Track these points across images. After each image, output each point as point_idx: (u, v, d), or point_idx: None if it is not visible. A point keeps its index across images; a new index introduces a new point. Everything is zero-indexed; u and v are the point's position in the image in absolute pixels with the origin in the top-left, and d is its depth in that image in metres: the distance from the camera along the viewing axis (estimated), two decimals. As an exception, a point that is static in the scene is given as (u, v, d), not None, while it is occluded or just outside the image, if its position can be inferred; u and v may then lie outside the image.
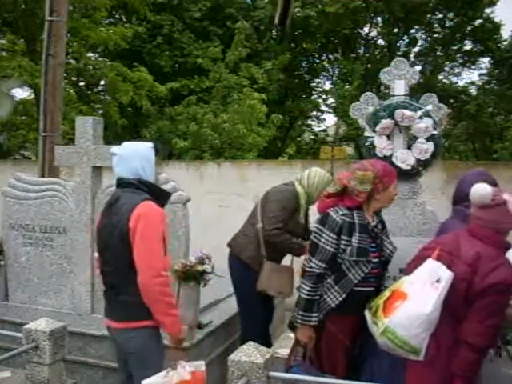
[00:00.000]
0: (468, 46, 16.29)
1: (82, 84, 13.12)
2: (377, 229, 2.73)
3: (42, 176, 4.83)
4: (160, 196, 2.48)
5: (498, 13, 34.13)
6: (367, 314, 2.51)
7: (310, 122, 18.31)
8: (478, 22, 15.16)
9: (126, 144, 2.51)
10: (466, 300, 2.26)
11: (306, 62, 16.50)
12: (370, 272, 2.61)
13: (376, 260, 2.65)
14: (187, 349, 3.17)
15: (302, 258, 2.98)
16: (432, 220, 3.51)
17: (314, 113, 17.66)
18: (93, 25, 10.86)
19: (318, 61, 16.73)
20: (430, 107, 3.56)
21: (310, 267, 2.62)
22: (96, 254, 2.58)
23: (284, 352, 3.15)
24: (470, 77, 31.41)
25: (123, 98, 10.69)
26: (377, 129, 3.58)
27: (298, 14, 13.61)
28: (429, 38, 16.26)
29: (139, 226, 2.30)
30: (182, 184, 3.59)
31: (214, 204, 6.73)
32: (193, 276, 3.27)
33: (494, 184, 2.70)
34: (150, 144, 2.53)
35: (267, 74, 12.44)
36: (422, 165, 3.56)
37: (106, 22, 13.06)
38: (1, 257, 4.15)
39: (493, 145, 16.46)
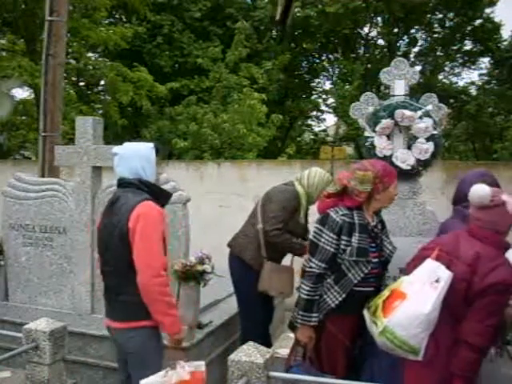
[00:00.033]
0: (468, 46, 16.31)
1: (82, 84, 13.12)
2: (377, 229, 2.73)
3: (42, 176, 4.83)
4: (160, 196, 2.49)
5: (498, 13, 34.18)
6: (366, 313, 2.51)
7: (310, 122, 18.32)
8: (478, 22, 15.17)
9: (127, 144, 2.52)
10: (465, 300, 2.26)
11: (306, 62, 16.51)
12: (369, 272, 2.60)
13: (376, 260, 2.65)
14: (187, 349, 3.17)
15: (305, 257, 2.98)
16: (432, 220, 3.51)
17: (314, 113, 17.68)
18: (93, 25, 10.86)
19: (318, 61, 16.74)
20: (429, 107, 3.57)
21: (310, 267, 2.62)
22: (96, 254, 2.58)
23: (284, 352, 3.15)
24: (470, 77, 31.45)
25: (123, 98, 10.69)
26: (377, 129, 3.58)
27: (298, 14, 13.61)
28: (429, 38, 16.27)
29: (139, 225, 2.30)
30: (182, 184, 3.59)
31: (214, 204, 6.73)
32: (193, 276, 3.27)
33: (495, 184, 2.71)
34: (151, 144, 2.54)
35: (267, 74, 12.44)
36: (422, 165, 3.56)
37: (106, 22, 13.06)
38: (1, 257, 4.15)
39: (493, 145, 16.46)
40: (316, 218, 2.78)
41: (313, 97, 16.79)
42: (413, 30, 16.03)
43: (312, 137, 18.22)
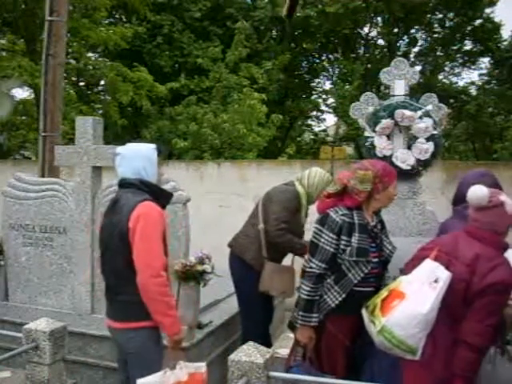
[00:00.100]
0: (468, 46, 16.30)
1: (82, 84, 13.12)
2: (376, 229, 2.73)
3: (42, 176, 4.83)
4: (161, 196, 2.49)
5: (498, 13, 34.18)
6: (364, 312, 2.51)
7: (310, 121, 18.32)
8: (478, 22, 15.17)
9: (129, 145, 2.53)
10: (464, 300, 2.26)
11: (306, 62, 16.50)
12: (369, 272, 2.61)
13: (376, 260, 2.65)
14: (187, 349, 3.18)
15: (305, 257, 2.98)
16: (432, 220, 3.51)
17: (314, 113, 17.67)
18: (93, 25, 10.86)
19: (318, 61, 16.73)
20: (429, 107, 3.57)
21: (310, 267, 2.62)
22: (97, 254, 2.59)
23: (284, 352, 3.15)
24: (470, 77, 31.43)
25: (123, 98, 10.69)
26: (377, 129, 3.59)
27: (298, 14, 13.59)
28: (429, 38, 16.27)
29: (139, 226, 2.30)
30: (182, 184, 3.59)
31: (214, 204, 6.73)
32: (193, 276, 3.27)
33: (496, 184, 2.71)
34: (153, 145, 2.54)
35: (267, 74, 12.44)
36: (422, 165, 3.57)
37: (106, 22, 13.05)
38: (1, 257, 4.14)
39: (493, 145, 16.46)
40: (315, 218, 2.78)
41: (313, 97, 16.78)
42: (413, 30, 16.03)
43: (312, 137, 18.22)
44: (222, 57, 11.62)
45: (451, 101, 15.70)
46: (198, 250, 3.41)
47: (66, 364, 3.23)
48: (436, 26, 15.86)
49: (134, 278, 2.30)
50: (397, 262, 2.78)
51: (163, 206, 2.50)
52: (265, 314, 3.71)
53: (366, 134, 3.67)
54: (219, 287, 3.87)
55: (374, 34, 16.22)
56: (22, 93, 19.79)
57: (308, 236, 2.92)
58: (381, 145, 3.58)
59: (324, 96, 16.81)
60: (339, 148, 8.43)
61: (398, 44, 16.15)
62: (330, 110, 16.57)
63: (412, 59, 15.77)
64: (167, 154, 9.85)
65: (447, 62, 16.67)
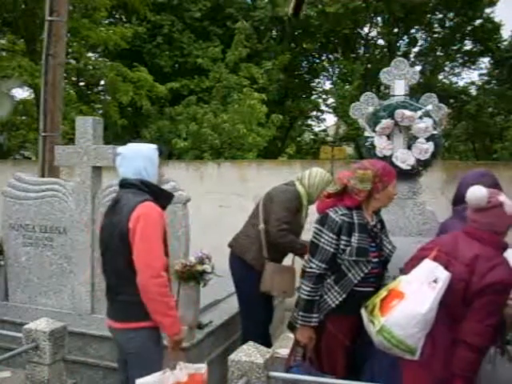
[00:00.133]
0: (468, 46, 16.31)
1: (82, 84, 13.12)
2: (376, 228, 2.73)
3: (42, 176, 4.83)
4: (161, 197, 2.49)
5: (498, 13, 34.19)
6: (363, 312, 2.51)
7: (310, 121, 18.32)
8: (478, 22, 15.17)
9: (130, 145, 2.53)
10: (463, 300, 2.26)
11: (306, 62, 16.51)
12: (369, 272, 2.60)
13: (376, 260, 2.65)
14: (187, 349, 3.18)
15: (305, 257, 2.98)
16: (432, 220, 3.51)
17: (314, 113, 17.68)
18: (93, 25, 10.86)
19: (318, 61, 16.74)
20: (429, 107, 3.57)
21: (310, 268, 2.62)
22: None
23: (284, 352, 3.15)
24: (470, 77, 31.47)
25: (123, 98, 10.69)
26: (377, 129, 3.59)
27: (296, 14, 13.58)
28: (429, 38, 16.27)
29: (139, 226, 2.30)
30: (182, 184, 3.59)
31: (214, 204, 6.73)
32: (193, 276, 3.27)
33: (496, 184, 2.71)
34: (154, 145, 2.54)
35: (267, 74, 12.44)
36: (422, 165, 3.57)
37: (106, 22, 13.05)
38: (1, 257, 4.14)
39: (493, 145, 16.46)
40: (315, 218, 2.78)
41: (313, 97, 16.79)
42: (413, 30, 16.03)
43: (312, 137, 18.23)
44: (222, 57, 11.62)
45: (451, 101, 15.70)
46: (198, 249, 3.41)
47: (66, 364, 3.23)
48: (436, 26, 15.87)
49: (135, 278, 2.30)
50: (397, 261, 2.78)
51: (164, 207, 2.50)
52: (265, 314, 3.71)
53: (366, 133, 3.67)
54: (219, 287, 3.86)
55: (374, 34, 16.26)
56: (22, 93, 19.84)
57: (308, 236, 2.91)
58: (381, 145, 3.58)
59: (324, 96, 16.83)
60: (339, 148, 8.42)
61: (398, 44, 16.16)
62: (330, 110, 16.58)
63: (412, 59, 15.78)
64: (167, 154, 9.85)
65: (447, 62, 16.68)
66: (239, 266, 3.66)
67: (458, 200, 2.85)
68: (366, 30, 16.13)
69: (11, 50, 11.07)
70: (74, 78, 12.45)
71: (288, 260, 3.69)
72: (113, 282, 2.46)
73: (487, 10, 15.15)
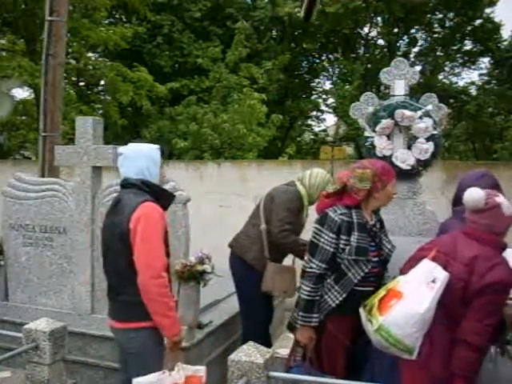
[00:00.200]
0: (468, 46, 16.31)
1: (82, 84, 13.13)
2: (375, 228, 2.73)
3: (42, 176, 4.83)
4: (162, 197, 2.49)
5: (497, 13, 34.19)
6: (362, 311, 2.51)
7: (310, 121, 18.33)
8: (478, 22, 15.17)
9: (132, 144, 2.53)
10: (462, 300, 2.27)
11: (306, 62, 16.51)
12: (369, 271, 2.60)
13: (376, 259, 2.65)
14: (187, 349, 3.18)
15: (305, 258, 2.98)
16: (432, 220, 3.51)
17: (314, 113, 17.68)
18: (93, 25, 10.86)
19: (318, 61, 16.74)
20: (429, 107, 3.57)
21: (310, 268, 2.62)
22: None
23: (284, 352, 3.15)
24: (470, 77, 31.46)
25: (123, 98, 10.69)
26: (377, 129, 3.59)
27: (298, 14, 13.59)
28: (429, 38, 16.27)
29: (140, 226, 2.30)
30: (182, 184, 3.59)
31: (214, 204, 6.73)
32: (193, 276, 3.27)
33: (495, 185, 2.71)
34: (156, 145, 2.54)
35: (267, 73, 12.44)
36: (422, 165, 3.57)
37: (106, 22, 13.05)
38: (1, 257, 4.14)
39: (493, 145, 16.46)
40: (315, 218, 2.78)
41: (313, 97, 16.80)
42: (413, 30, 16.04)
43: (312, 137, 18.23)
44: (221, 57, 11.63)
45: (451, 101, 15.70)
46: (198, 249, 3.41)
47: (65, 364, 3.23)
48: (436, 26, 15.87)
49: (136, 278, 2.30)
50: (397, 261, 2.78)
51: (165, 207, 2.49)
52: (265, 314, 3.71)
53: (366, 133, 3.67)
54: (219, 287, 3.86)
55: (374, 34, 16.27)
56: (22, 93, 19.82)
57: (307, 236, 2.91)
58: (381, 145, 3.58)
59: (324, 96, 16.84)
60: (339, 148, 8.41)
61: (398, 44, 16.16)
62: (330, 110, 16.58)
63: (412, 59, 15.78)
64: (168, 154, 9.86)
65: (447, 62, 16.68)
66: (239, 266, 3.66)
67: (458, 200, 2.84)
68: (366, 30, 16.15)
69: (11, 50, 11.07)
70: (74, 78, 12.46)
71: (288, 260, 3.69)
72: (114, 282, 2.45)
73: (487, 10, 15.16)
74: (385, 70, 3.76)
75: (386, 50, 16.22)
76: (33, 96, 11.19)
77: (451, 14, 15.37)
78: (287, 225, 3.45)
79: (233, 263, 3.73)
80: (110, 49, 11.60)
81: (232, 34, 11.78)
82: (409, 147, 3.58)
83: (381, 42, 16.43)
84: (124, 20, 14.05)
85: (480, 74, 16.98)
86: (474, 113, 15.19)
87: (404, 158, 3.53)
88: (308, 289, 2.61)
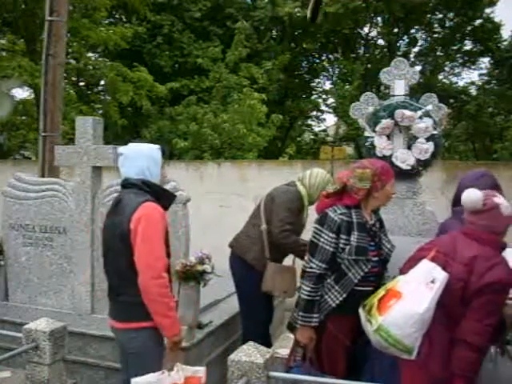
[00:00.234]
0: (468, 46, 16.31)
1: (82, 84, 13.13)
2: (375, 227, 2.74)
3: (42, 176, 4.83)
4: (163, 197, 2.49)
5: (498, 13, 34.20)
6: (361, 311, 2.51)
7: (310, 121, 18.33)
8: (478, 22, 15.18)
9: (133, 144, 2.53)
10: (462, 300, 2.27)
11: (306, 62, 16.51)
12: (369, 271, 2.60)
13: (375, 259, 2.65)
14: (187, 349, 3.18)
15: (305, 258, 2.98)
16: (431, 220, 3.51)
17: (314, 113, 17.69)
18: (93, 25, 10.86)
19: (318, 61, 16.75)
20: (429, 107, 3.57)
21: (310, 268, 2.62)
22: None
23: (284, 352, 3.15)
24: (470, 77, 31.48)
25: (123, 98, 10.69)
26: (377, 129, 3.58)
27: (298, 14, 13.61)
28: (429, 38, 16.27)
29: (140, 227, 2.30)
30: (182, 184, 3.59)
31: (214, 204, 6.73)
32: (193, 276, 3.27)
33: (495, 185, 2.71)
34: (157, 145, 2.54)
35: (267, 73, 12.45)
36: (422, 165, 3.57)
37: (106, 22, 13.06)
38: (1, 257, 4.14)
39: (493, 145, 16.46)
40: (315, 218, 2.78)
41: (313, 97, 16.80)
42: (413, 30, 16.04)
43: (312, 137, 18.23)
44: (222, 57, 11.63)
45: (451, 101, 15.70)
46: (198, 249, 3.41)
47: (65, 364, 3.23)
48: (436, 26, 15.87)
49: (136, 278, 2.30)
50: (396, 261, 2.78)
51: (166, 207, 2.49)
52: (265, 314, 3.71)
53: (366, 133, 3.67)
54: (219, 287, 3.87)
55: (374, 34, 16.27)
56: (22, 93, 19.83)
57: (307, 236, 2.91)
58: (381, 145, 3.58)
59: (324, 96, 16.84)
60: (339, 148, 8.41)
61: (398, 44, 16.16)
62: (330, 110, 16.58)
63: (412, 59, 15.78)
64: (168, 154, 9.86)
65: (447, 62, 16.68)
66: (240, 266, 3.66)
67: (458, 201, 2.83)
68: (366, 30, 16.15)
69: (11, 50, 11.07)
70: (74, 78, 12.46)
71: (288, 260, 3.69)
72: (114, 283, 2.45)
73: (487, 10, 15.16)
74: (385, 70, 3.76)
75: (386, 50, 16.22)
76: (33, 96, 11.19)
77: (451, 14, 15.37)
78: (288, 225, 3.45)
79: (233, 263, 3.73)
80: (110, 49, 11.61)
81: (232, 34, 11.79)
82: (409, 147, 3.58)
83: (381, 42, 16.45)
84: (124, 20, 14.05)
85: (480, 74, 17.02)
86: (474, 113, 15.19)
87: (404, 158, 3.53)
88: (308, 289, 2.61)
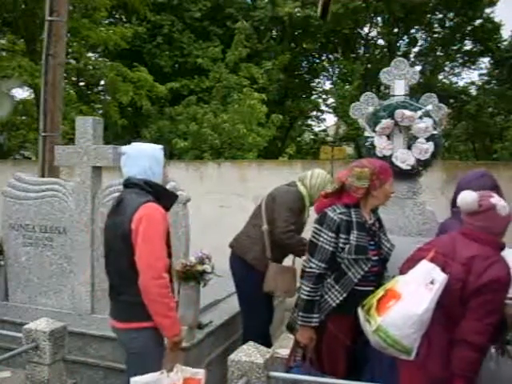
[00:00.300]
0: (468, 46, 16.31)
1: (82, 84, 13.13)
2: (374, 226, 2.74)
3: (42, 176, 4.83)
4: (164, 197, 2.48)
5: (498, 13, 34.20)
6: (360, 311, 2.51)
7: (310, 121, 18.33)
8: (478, 22, 15.18)
9: (135, 144, 2.53)
10: (461, 300, 2.26)
11: (306, 62, 16.51)
12: (369, 270, 2.61)
13: (375, 258, 2.65)
14: (187, 349, 3.18)
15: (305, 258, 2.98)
16: (431, 220, 3.51)
17: (314, 113, 17.68)
18: (93, 25, 10.87)
19: (318, 61, 16.74)
20: (429, 107, 3.57)
21: (310, 267, 2.62)
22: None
23: (284, 352, 3.15)
24: (470, 77, 31.45)
25: (123, 98, 10.69)
26: (377, 129, 3.58)
27: (298, 14, 13.61)
28: (429, 38, 16.27)
29: (141, 227, 2.30)
30: (182, 184, 3.59)
31: (214, 204, 6.73)
32: (193, 276, 3.27)
33: (495, 185, 2.70)
34: (160, 146, 2.54)
35: (267, 74, 12.44)
36: (422, 165, 3.57)
37: (106, 22, 13.06)
38: (1, 257, 4.14)
39: (493, 145, 16.46)
40: (314, 218, 2.78)
41: (313, 97, 16.79)
42: (413, 30, 16.04)
43: (312, 137, 18.23)
44: (222, 57, 11.63)
45: (451, 101, 15.70)
46: (198, 249, 3.41)
47: (65, 364, 3.23)
48: (436, 26, 15.87)
49: (137, 279, 2.29)
50: (396, 261, 2.78)
51: (167, 208, 2.49)
52: (265, 315, 3.71)
53: (366, 133, 3.67)
54: (219, 287, 3.86)
55: (374, 34, 16.27)
56: (22, 93, 19.81)
57: (307, 236, 2.92)
58: (381, 145, 3.58)
59: (324, 96, 16.83)
60: (339, 148, 8.41)
61: (398, 44, 16.16)
62: (330, 110, 16.58)
63: (412, 59, 15.78)
64: (168, 154, 9.86)
65: (447, 62, 16.68)
66: (240, 266, 3.66)
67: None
68: (366, 30, 16.15)
69: (11, 50, 11.08)
70: (74, 78, 12.46)
71: (288, 260, 3.69)
72: (116, 283, 2.45)
73: (487, 10, 15.16)
74: (385, 70, 3.76)
75: (386, 50, 16.22)
76: (33, 96, 11.19)
77: (451, 14, 15.37)
78: (291, 225, 3.46)
79: (233, 263, 3.73)
80: (110, 49, 11.61)
81: (232, 34, 11.78)
82: (409, 147, 3.58)
83: (381, 42, 16.45)
84: (124, 20, 14.06)
85: (480, 74, 17.02)
86: (474, 113, 15.19)
87: (404, 158, 3.53)
88: (308, 289, 2.61)
